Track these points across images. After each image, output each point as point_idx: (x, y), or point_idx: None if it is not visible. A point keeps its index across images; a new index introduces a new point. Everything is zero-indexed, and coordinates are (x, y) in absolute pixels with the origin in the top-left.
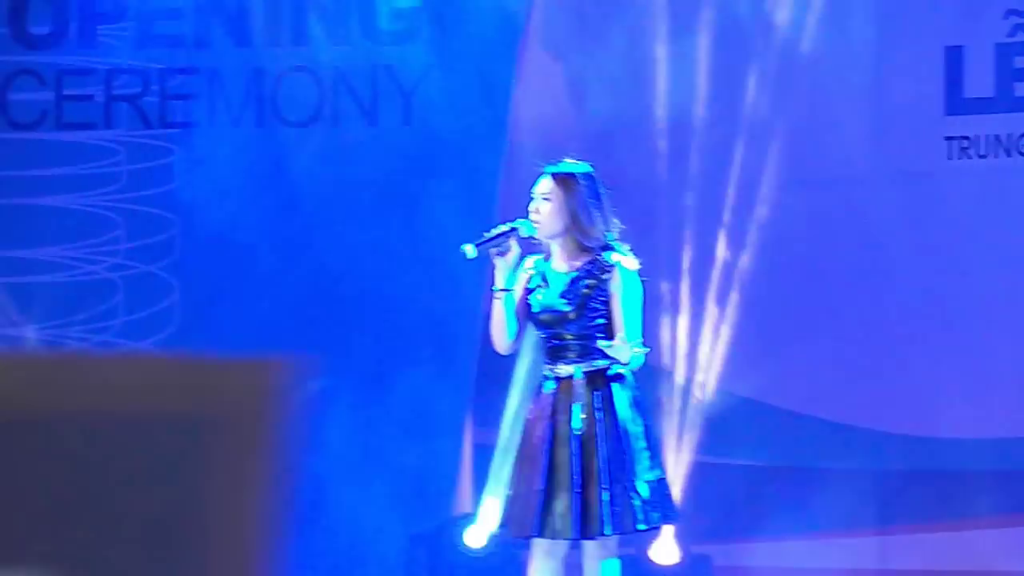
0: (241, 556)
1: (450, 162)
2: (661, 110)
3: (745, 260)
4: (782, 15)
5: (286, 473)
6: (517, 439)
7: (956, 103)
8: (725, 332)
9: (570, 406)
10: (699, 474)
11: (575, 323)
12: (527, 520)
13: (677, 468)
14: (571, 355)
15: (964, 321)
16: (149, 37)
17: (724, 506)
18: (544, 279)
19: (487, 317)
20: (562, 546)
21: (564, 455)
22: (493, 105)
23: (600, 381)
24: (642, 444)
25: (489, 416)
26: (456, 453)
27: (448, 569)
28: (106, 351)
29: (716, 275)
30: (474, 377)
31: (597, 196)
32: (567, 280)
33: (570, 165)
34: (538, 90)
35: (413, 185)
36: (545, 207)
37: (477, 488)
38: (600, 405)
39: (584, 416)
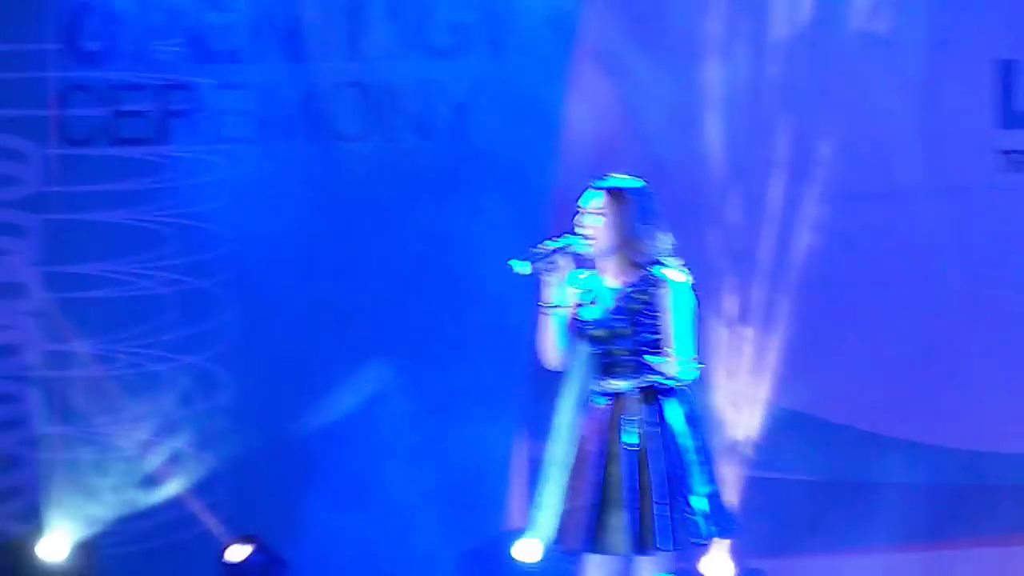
0: None
1: (502, 176)
2: (711, 125)
3: (796, 274)
4: (832, 30)
5: None
6: (570, 454)
7: (1008, 116)
8: (776, 346)
9: (622, 421)
10: (752, 489)
11: (627, 339)
12: (581, 535)
13: (730, 482)
14: (623, 370)
15: (1017, 335)
16: (203, 53)
17: (777, 520)
18: (595, 295)
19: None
20: (615, 561)
21: (617, 470)
22: (545, 120)
23: (652, 396)
24: (696, 458)
25: (541, 430)
26: (508, 467)
27: None
28: None
29: (767, 289)
30: (527, 391)
31: (648, 212)
32: (618, 296)
33: (622, 180)
34: (590, 105)
35: (466, 199)
36: (597, 223)
37: (529, 502)
38: (653, 420)
39: (637, 430)
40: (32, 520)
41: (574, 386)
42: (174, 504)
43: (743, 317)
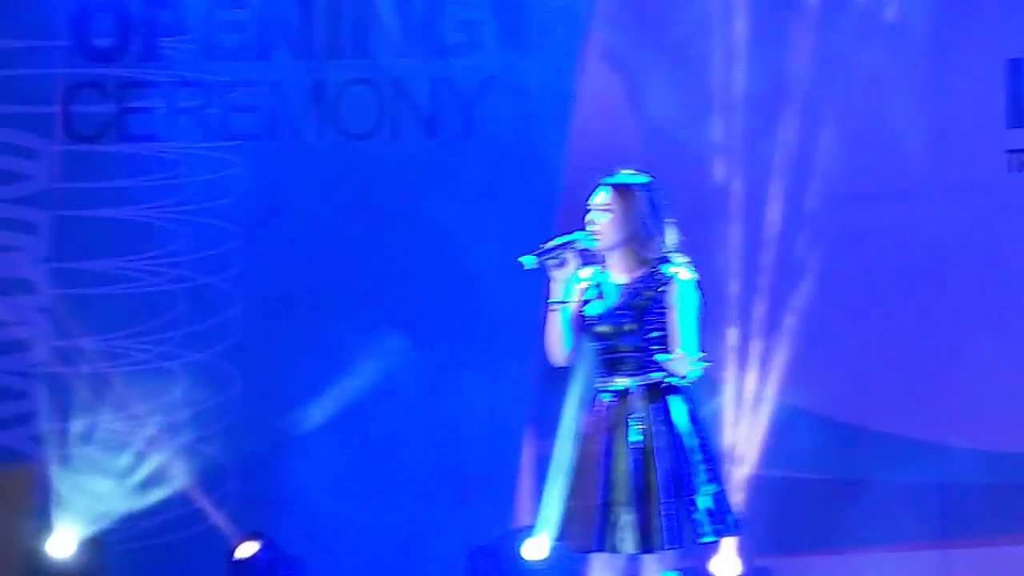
0: None
1: (511, 174)
2: (719, 123)
3: (805, 273)
4: (842, 29)
5: None
6: (574, 452)
7: (1018, 116)
8: (785, 344)
9: (627, 419)
10: (761, 487)
11: (632, 335)
12: (587, 534)
13: (739, 481)
14: (627, 368)
15: None
16: (211, 50)
17: (785, 519)
18: (601, 291)
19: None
20: (621, 560)
21: (623, 469)
22: (554, 117)
23: (657, 394)
24: (700, 457)
25: (549, 428)
26: (516, 465)
27: None
28: None
29: (776, 287)
30: (534, 389)
31: (656, 208)
32: (624, 292)
33: (629, 176)
34: (599, 103)
35: (474, 196)
36: (604, 219)
37: (537, 500)
38: (658, 418)
39: (642, 428)
40: (40, 517)
41: (580, 383)
42: (181, 501)
43: (750, 315)
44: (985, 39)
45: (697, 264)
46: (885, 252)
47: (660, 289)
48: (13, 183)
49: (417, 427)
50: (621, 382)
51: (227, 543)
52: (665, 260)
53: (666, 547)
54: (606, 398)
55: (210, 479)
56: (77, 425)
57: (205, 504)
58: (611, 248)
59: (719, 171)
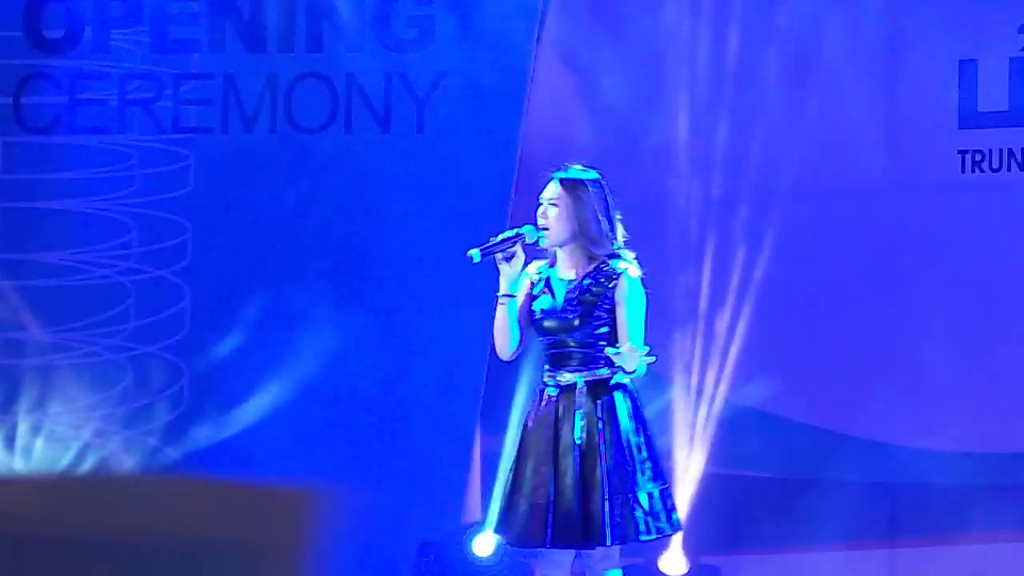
0: None
1: (462, 169)
2: (673, 121)
3: (756, 271)
4: (796, 28)
5: None
6: (518, 446)
7: (970, 117)
8: (736, 342)
9: (572, 415)
10: (709, 485)
11: (579, 331)
12: (531, 530)
13: (688, 479)
14: (574, 363)
15: (976, 334)
16: (163, 42)
17: (733, 517)
18: (548, 286)
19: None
20: (568, 555)
21: (566, 465)
22: (506, 113)
23: (602, 390)
24: (644, 455)
25: (497, 423)
26: (465, 460)
27: None
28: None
29: (726, 285)
30: (482, 384)
31: (605, 203)
32: (572, 287)
33: (579, 172)
34: (551, 99)
35: (425, 192)
36: (553, 212)
37: (485, 496)
38: (602, 415)
39: (586, 424)
40: None
41: (527, 379)
42: None
43: (701, 312)
44: (937, 40)
45: (648, 260)
46: (837, 251)
47: (608, 285)
48: None
49: (367, 421)
50: (567, 377)
51: None
52: (613, 256)
53: (609, 544)
54: (552, 393)
55: (158, 473)
56: (25, 418)
57: None
58: (559, 242)
59: (672, 168)
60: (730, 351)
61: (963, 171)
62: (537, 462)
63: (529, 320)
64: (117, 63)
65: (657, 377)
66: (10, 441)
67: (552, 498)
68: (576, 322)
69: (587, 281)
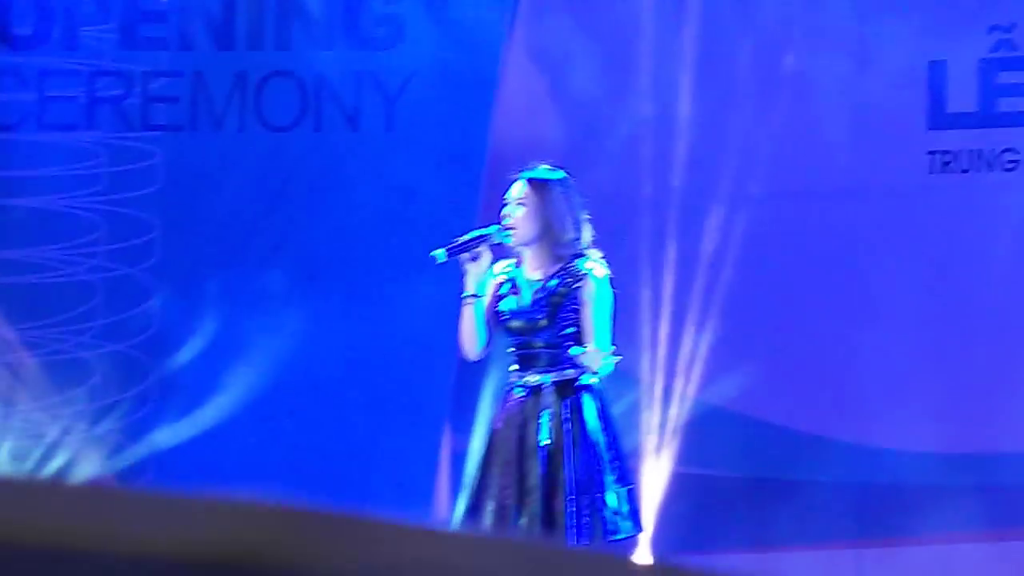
0: None
1: (432, 169)
2: (642, 121)
3: (725, 272)
4: (765, 29)
5: None
6: (484, 446)
7: (939, 118)
8: (704, 342)
9: (538, 415)
10: (676, 485)
11: (545, 331)
12: (498, 530)
13: (655, 479)
14: (541, 364)
15: (945, 335)
16: (132, 39)
17: (700, 517)
18: (515, 286)
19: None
20: None
21: (533, 465)
22: (475, 113)
23: (569, 390)
24: (610, 455)
25: (467, 422)
26: (433, 460)
27: None
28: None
29: (695, 286)
30: (452, 383)
31: (571, 204)
32: (538, 288)
33: (545, 171)
34: (520, 99)
35: (394, 191)
36: (519, 212)
37: (454, 495)
38: (569, 415)
39: (553, 425)
40: None
41: (494, 379)
42: None
43: (669, 311)
44: (906, 41)
45: (617, 260)
46: (806, 251)
47: (574, 285)
48: None
49: (334, 421)
50: (534, 378)
51: None
52: (579, 256)
53: (576, 544)
54: (518, 393)
55: (126, 471)
56: None
57: None
58: (525, 242)
59: (641, 166)
60: (699, 350)
61: (932, 172)
62: (504, 462)
63: (496, 320)
64: (86, 60)
65: (624, 375)
66: None
67: (519, 498)
68: (543, 323)
69: (554, 281)
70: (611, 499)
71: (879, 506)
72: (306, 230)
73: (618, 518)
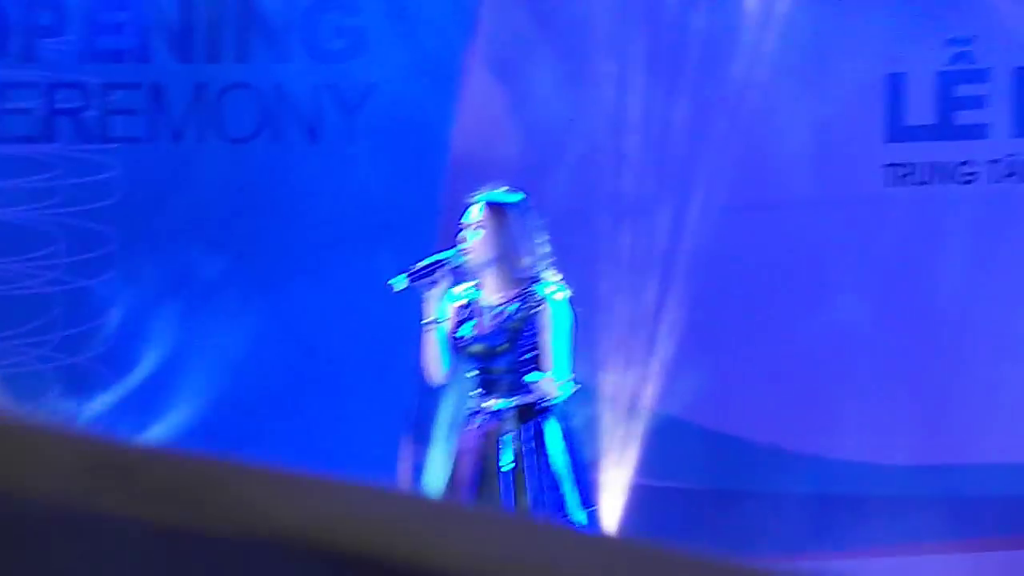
0: None
1: (392, 181)
2: (600, 135)
3: (684, 283)
4: (722, 41)
5: None
6: (446, 472)
7: (896, 130)
8: (663, 354)
9: (499, 440)
10: (637, 497)
11: (506, 356)
12: None
13: (614, 491)
14: (502, 388)
15: (902, 347)
16: (91, 51)
17: (662, 529)
18: (474, 310)
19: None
20: None
21: (495, 490)
22: (436, 124)
23: (530, 414)
24: (572, 478)
25: (428, 434)
26: (392, 473)
27: None
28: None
29: (654, 297)
30: (412, 396)
31: (529, 227)
32: (498, 312)
33: (503, 195)
34: (481, 110)
35: (355, 203)
36: (477, 236)
37: None
38: (531, 439)
39: (514, 449)
40: None
41: (452, 403)
42: None
43: (628, 324)
44: (865, 53)
45: (575, 268)
46: (765, 263)
47: (533, 310)
48: None
49: (294, 432)
50: (495, 403)
51: None
52: (538, 280)
53: None
54: (479, 419)
55: None
56: None
57: None
58: (483, 266)
59: (600, 180)
60: (658, 362)
61: (889, 184)
62: (466, 488)
63: (455, 345)
64: (44, 72)
65: (584, 389)
66: None
67: None
68: (503, 348)
69: (513, 306)
70: (575, 521)
71: (839, 518)
72: (265, 242)
73: None
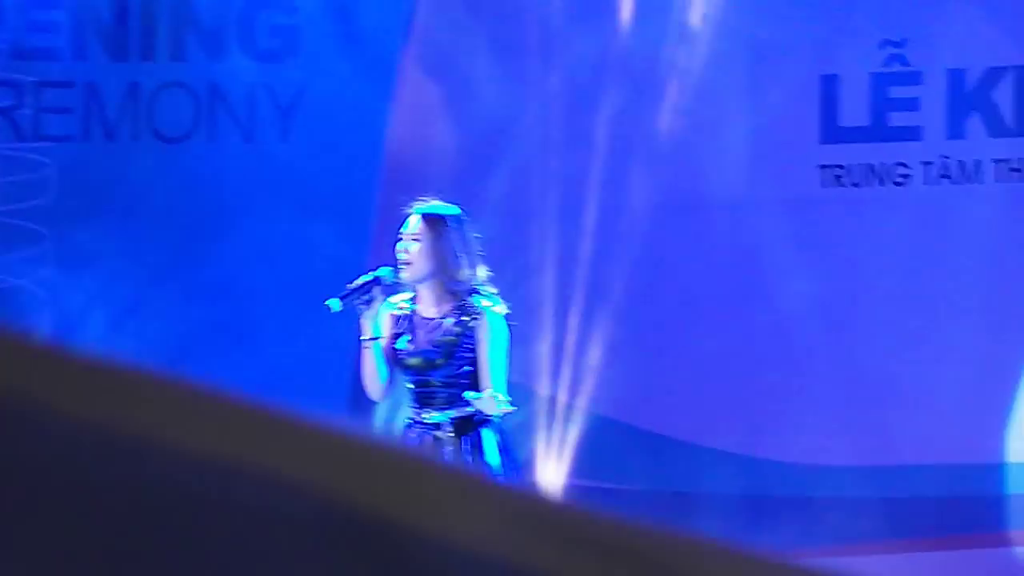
0: None
1: (327, 180)
2: (536, 133)
3: (618, 282)
4: (657, 41)
5: None
6: None
7: (831, 131)
8: (598, 354)
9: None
10: (570, 497)
11: (443, 370)
12: None
13: (549, 491)
14: (439, 402)
15: (839, 348)
16: (24, 49)
17: None
18: (411, 323)
19: (359, 349)
20: None
21: None
22: (371, 124)
23: (469, 427)
24: None
25: None
26: None
27: None
28: None
29: (588, 296)
30: (345, 403)
31: (466, 239)
32: (434, 325)
33: (440, 207)
34: (416, 109)
35: (289, 203)
36: (414, 248)
37: None
38: (469, 452)
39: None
40: None
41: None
42: None
43: (562, 325)
44: (799, 54)
45: (508, 269)
46: (699, 263)
47: (470, 324)
48: None
49: None
50: (433, 416)
51: None
52: (475, 292)
53: None
54: (416, 432)
55: None
56: None
57: None
58: (420, 279)
59: (536, 178)
60: (592, 362)
61: (824, 186)
62: None
63: (393, 358)
64: None
65: (517, 388)
66: None
67: None
68: (439, 361)
69: (450, 320)
70: None
71: (773, 519)
72: (200, 241)
73: None
